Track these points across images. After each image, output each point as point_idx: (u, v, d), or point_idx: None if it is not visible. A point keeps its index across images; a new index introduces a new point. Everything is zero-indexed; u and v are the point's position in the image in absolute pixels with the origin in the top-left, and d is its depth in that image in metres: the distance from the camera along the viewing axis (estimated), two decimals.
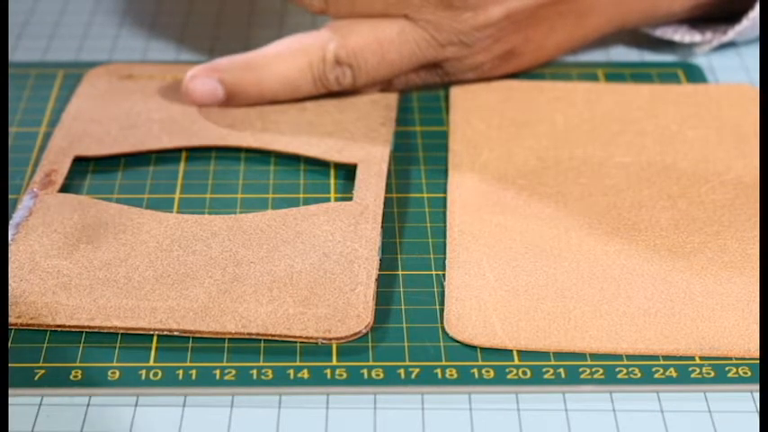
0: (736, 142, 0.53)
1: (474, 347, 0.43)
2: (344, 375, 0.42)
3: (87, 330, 0.43)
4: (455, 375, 0.42)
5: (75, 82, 0.58)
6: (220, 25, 0.65)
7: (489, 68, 0.57)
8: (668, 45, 0.62)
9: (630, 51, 0.62)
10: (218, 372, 0.42)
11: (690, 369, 0.42)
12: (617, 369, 0.42)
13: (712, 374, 0.42)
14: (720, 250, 0.47)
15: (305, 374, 0.42)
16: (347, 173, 0.52)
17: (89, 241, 0.47)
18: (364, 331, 0.43)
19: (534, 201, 0.50)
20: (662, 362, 0.42)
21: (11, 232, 0.47)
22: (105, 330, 0.43)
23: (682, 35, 0.60)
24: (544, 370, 0.42)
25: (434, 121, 0.56)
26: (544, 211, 0.49)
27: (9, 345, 0.43)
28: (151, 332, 0.43)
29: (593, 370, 0.42)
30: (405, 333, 0.43)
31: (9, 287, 0.44)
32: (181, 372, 0.42)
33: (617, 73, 0.59)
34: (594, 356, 0.42)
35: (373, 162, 0.52)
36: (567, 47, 0.59)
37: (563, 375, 0.42)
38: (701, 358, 0.42)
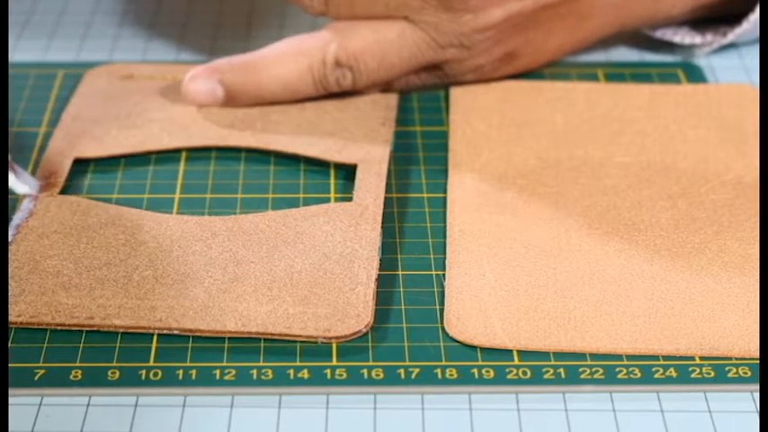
0: (736, 142, 0.53)
1: (474, 347, 0.43)
2: (344, 375, 0.42)
3: (87, 329, 0.43)
4: (455, 375, 0.42)
5: (75, 82, 0.58)
6: (220, 25, 0.65)
7: (489, 70, 0.57)
8: (668, 45, 0.61)
9: (630, 51, 0.62)
10: (218, 372, 0.42)
11: (690, 369, 0.42)
12: (617, 369, 0.42)
13: (712, 374, 0.42)
14: (720, 250, 0.47)
15: (305, 374, 0.42)
16: (347, 173, 0.52)
17: (89, 241, 0.47)
18: (364, 330, 0.43)
19: (534, 201, 0.50)
20: (662, 362, 0.42)
21: (11, 233, 0.47)
22: (105, 330, 0.43)
23: (682, 37, 0.60)
24: (544, 370, 0.42)
25: (434, 121, 0.56)
26: (544, 211, 0.49)
27: (9, 345, 0.43)
28: (151, 331, 0.43)
29: (594, 370, 0.42)
30: (405, 333, 0.43)
31: (9, 287, 0.44)
32: (181, 372, 0.42)
33: (617, 73, 0.59)
34: (594, 356, 0.42)
35: (373, 162, 0.52)
36: (568, 49, 0.59)
37: (563, 375, 0.42)
38: (701, 358, 0.42)
